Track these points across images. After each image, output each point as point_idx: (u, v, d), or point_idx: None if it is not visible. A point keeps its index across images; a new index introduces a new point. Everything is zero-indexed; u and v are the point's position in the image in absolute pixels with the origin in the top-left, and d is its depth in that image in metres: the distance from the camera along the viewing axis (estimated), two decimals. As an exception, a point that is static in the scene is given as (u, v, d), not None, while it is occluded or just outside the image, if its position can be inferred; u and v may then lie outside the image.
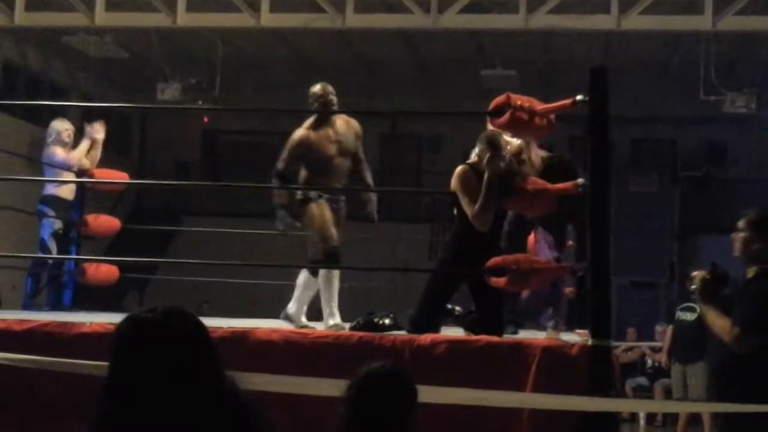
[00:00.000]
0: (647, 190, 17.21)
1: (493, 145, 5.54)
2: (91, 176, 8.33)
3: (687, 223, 17.15)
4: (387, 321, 5.84)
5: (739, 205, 17.84)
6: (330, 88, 6.51)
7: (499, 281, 5.11)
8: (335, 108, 6.54)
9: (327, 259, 6.31)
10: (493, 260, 5.20)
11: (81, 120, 10.00)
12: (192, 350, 2.21)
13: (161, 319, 2.23)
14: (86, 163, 8.36)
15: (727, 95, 14.25)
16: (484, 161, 5.48)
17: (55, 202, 8.28)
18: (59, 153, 8.26)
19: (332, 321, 6.18)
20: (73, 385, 4.88)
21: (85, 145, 8.35)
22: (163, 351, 2.18)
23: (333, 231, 6.34)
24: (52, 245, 8.24)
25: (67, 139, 8.37)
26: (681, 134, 18.67)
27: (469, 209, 5.53)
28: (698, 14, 12.08)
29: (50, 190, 8.31)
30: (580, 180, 5.05)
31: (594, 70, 4.93)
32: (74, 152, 8.29)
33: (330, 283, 6.32)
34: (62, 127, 8.42)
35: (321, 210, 6.38)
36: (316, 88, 6.52)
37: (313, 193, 6.38)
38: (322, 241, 6.34)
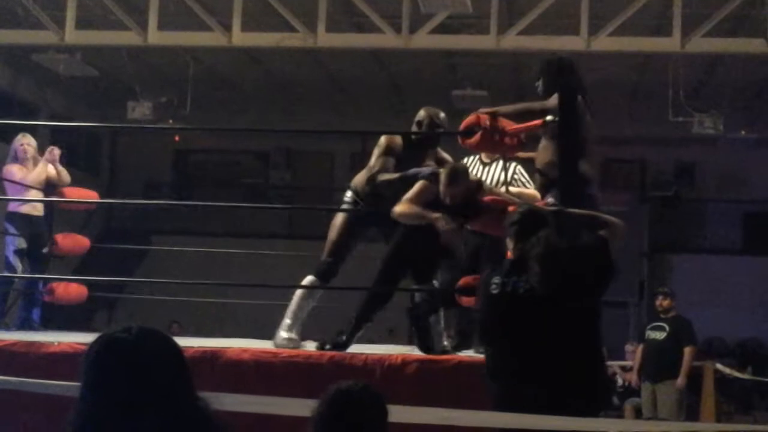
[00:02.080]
0: (617, 209, 17.26)
1: (452, 176, 5.58)
2: (61, 195, 8.25)
3: (656, 243, 17.27)
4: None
5: (708, 225, 18.10)
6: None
7: (470, 300, 5.13)
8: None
9: (316, 271, 6.25)
10: (464, 279, 5.21)
11: (50, 138, 9.92)
12: (166, 370, 2.20)
13: (135, 338, 2.21)
14: (54, 177, 8.24)
15: (695, 116, 14.38)
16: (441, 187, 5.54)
17: (19, 219, 8.17)
18: (16, 172, 8.16)
19: (285, 334, 6.10)
20: (41, 405, 4.83)
21: (42, 167, 8.22)
22: (137, 371, 2.16)
23: (338, 247, 6.29)
24: (17, 263, 8.14)
25: (22, 154, 8.21)
26: (650, 154, 18.82)
27: (402, 205, 5.58)
28: (667, 36, 12.19)
29: (13, 207, 8.20)
30: (550, 200, 5.07)
31: (563, 90, 4.97)
32: (32, 174, 8.19)
33: (304, 297, 6.25)
34: (18, 142, 8.25)
35: (345, 222, 6.35)
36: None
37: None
38: (326, 249, 6.30)
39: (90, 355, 2.21)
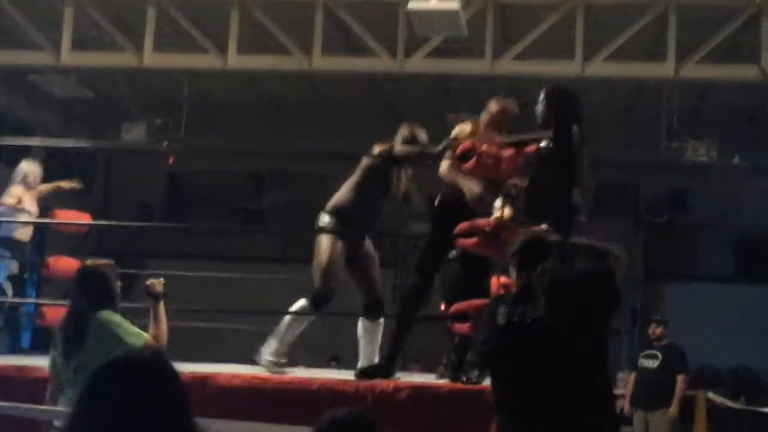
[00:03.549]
0: (610, 235, 17.28)
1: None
2: (54, 217, 8.25)
3: (649, 270, 17.25)
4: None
5: (701, 252, 18.08)
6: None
7: (462, 327, 5.11)
8: None
9: (312, 297, 6.21)
10: (456, 306, 5.19)
11: (45, 159, 9.93)
12: (163, 394, 2.19)
13: (134, 362, 2.22)
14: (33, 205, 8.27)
15: (689, 143, 14.39)
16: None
17: (10, 244, 8.18)
18: (6, 199, 8.20)
19: (270, 357, 6.09)
20: (30, 429, 4.79)
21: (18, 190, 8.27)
22: (135, 394, 2.15)
23: (332, 272, 6.26)
24: (8, 288, 8.14)
25: (32, 183, 8.33)
26: (644, 180, 18.82)
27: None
28: (661, 61, 12.23)
29: (5, 232, 8.21)
30: (544, 226, 5.06)
31: (558, 115, 4.97)
32: (33, 201, 8.23)
33: (294, 320, 6.22)
34: (29, 169, 8.39)
35: (334, 246, 6.33)
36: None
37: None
38: (318, 276, 6.27)
39: (88, 378, 2.20)
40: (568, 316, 4.03)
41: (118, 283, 4.83)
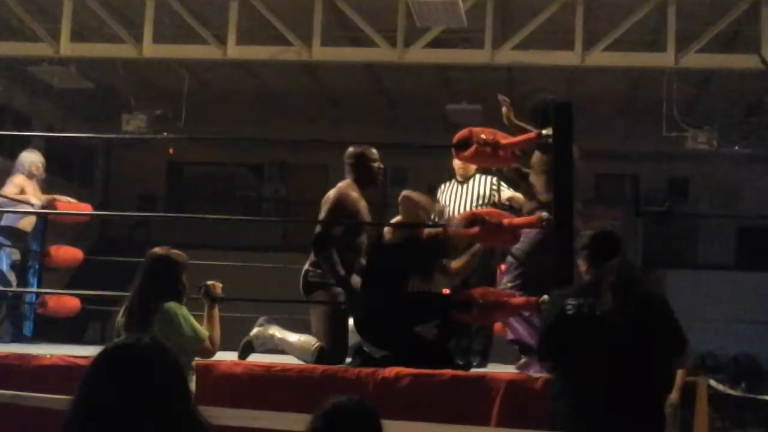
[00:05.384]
0: (610, 224, 17.33)
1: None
2: (55, 207, 8.26)
3: (650, 258, 17.27)
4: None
5: (701, 240, 18.11)
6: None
7: (466, 316, 5.12)
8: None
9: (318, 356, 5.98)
10: (461, 294, 5.21)
11: (45, 150, 9.93)
12: (167, 382, 2.22)
13: (138, 350, 2.25)
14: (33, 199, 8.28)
15: (689, 132, 14.40)
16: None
17: (12, 233, 8.20)
18: (9, 189, 8.22)
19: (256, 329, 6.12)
20: (33, 418, 4.81)
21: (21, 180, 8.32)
22: (139, 381, 2.19)
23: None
24: (11, 277, 8.16)
25: (35, 173, 8.34)
26: (644, 170, 18.85)
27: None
28: (661, 51, 12.23)
29: (8, 221, 8.23)
30: (544, 213, 5.08)
31: (558, 105, 4.97)
32: (36, 192, 8.26)
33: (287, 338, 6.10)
34: (31, 159, 8.39)
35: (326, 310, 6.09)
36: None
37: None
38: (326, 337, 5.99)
39: (94, 364, 2.25)
40: (636, 315, 4.11)
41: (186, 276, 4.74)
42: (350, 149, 6.20)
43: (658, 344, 4.16)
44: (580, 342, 4.17)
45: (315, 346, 5.82)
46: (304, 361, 5.78)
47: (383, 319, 5.58)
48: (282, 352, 6.07)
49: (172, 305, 4.59)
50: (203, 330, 4.68)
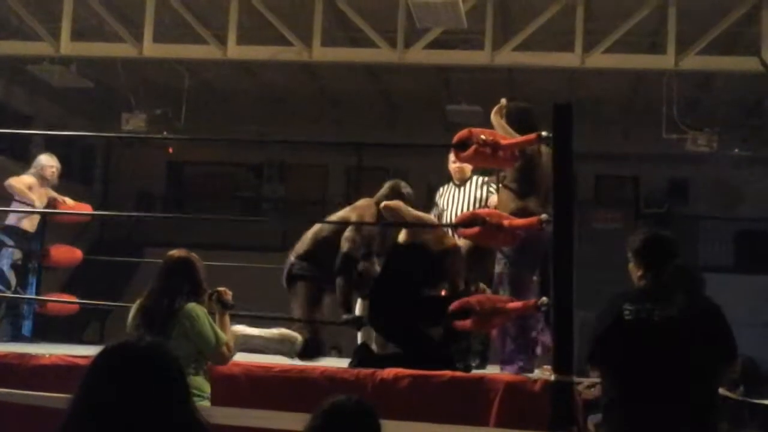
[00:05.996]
0: (610, 226, 17.34)
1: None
2: (55, 207, 8.27)
3: (649, 260, 17.25)
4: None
5: (701, 243, 18.09)
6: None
7: (465, 324, 5.10)
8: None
9: (302, 352, 6.06)
10: (457, 302, 5.19)
11: (45, 149, 9.94)
12: (167, 381, 2.23)
13: (139, 349, 2.26)
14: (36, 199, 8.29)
15: (689, 134, 14.40)
16: None
17: (15, 232, 8.20)
18: (15, 183, 8.23)
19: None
20: (31, 416, 4.81)
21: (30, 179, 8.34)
22: (138, 379, 2.20)
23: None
24: (11, 276, 8.15)
25: (48, 177, 8.37)
26: (644, 171, 18.85)
27: None
28: (661, 53, 12.23)
29: (12, 220, 8.23)
30: (544, 216, 5.07)
31: (558, 106, 4.96)
32: (41, 195, 8.29)
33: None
34: (46, 162, 8.44)
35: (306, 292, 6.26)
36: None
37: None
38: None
39: (94, 364, 2.26)
40: (692, 322, 4.09)
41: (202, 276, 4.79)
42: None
43: (711, 352, 4.12)
44: (637, 348, 4.13)
45: (299, 339, 5.96)
46: (286, 354, 5.91)
47: (396, 316, 5.62)
48: (260, 351, 6.11)
49: (194, 306, 4.64)
50: (223, 335, 4.72)
